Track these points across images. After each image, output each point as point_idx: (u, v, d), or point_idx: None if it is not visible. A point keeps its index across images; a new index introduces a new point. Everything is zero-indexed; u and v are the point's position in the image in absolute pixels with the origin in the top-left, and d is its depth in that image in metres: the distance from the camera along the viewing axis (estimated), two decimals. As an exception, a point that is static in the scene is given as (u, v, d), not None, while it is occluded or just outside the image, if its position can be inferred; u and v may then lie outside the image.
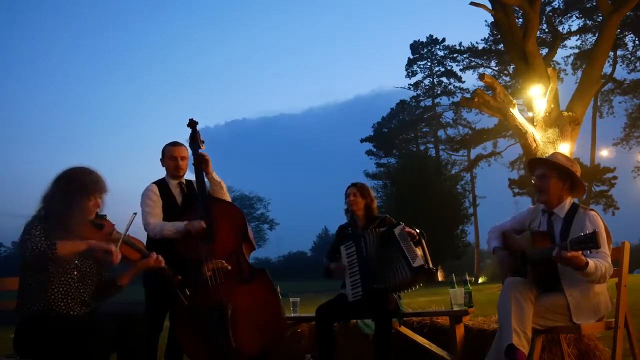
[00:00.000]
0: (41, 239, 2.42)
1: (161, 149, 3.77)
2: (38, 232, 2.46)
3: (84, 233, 2.64)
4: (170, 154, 3.69)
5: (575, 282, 2.72)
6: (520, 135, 10.25)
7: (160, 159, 3.76)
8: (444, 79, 41.63)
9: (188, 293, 3.09)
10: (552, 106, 10.12)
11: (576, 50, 29.54)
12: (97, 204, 2.69)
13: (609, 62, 26.39)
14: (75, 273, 2.61)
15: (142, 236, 3.09)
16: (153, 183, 3.70)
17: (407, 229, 3.46)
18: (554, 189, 2.91)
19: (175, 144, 3.73)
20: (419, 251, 3.38)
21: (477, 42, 35.49)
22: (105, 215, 2.77)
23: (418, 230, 3.49)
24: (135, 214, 2.77)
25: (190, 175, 3.78)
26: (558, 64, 28.43)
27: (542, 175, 2.94)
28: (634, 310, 3.70)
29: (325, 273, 3.85)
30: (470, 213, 37.08)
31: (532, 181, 3.02)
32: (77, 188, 2.62)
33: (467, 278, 3.63)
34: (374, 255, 3.52)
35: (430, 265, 3.37)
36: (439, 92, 41.89)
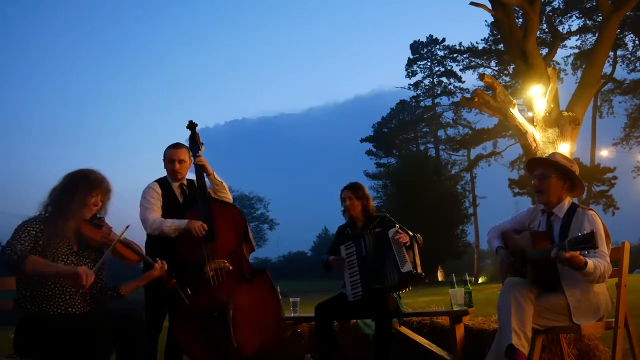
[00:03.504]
0: (23, 245, 2.44)
1: (161, 148, 3.76)
2: (25, 235, 2.49)
3: (83, 230, 2.67)
4: (169, 157, 3.67)
5: (575, 282, 2.72)
6: (520, 135, 10.25)
7: (163, 160, 3.75)
8: (444, 79, 41.67)
9: (189, 292, 3.09)
10: (552, 106, 10.11)
11: (576, 50, 29.57)
12: (97, 203, 2.73)
13: (609, 62, 26.40)
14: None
15: (137, 232, 3.10)
16: (155, 181, 3.70)
17: (401, 232, 3.46)
18: (554, 189, 2.91)
19: (174, 146, 3.70)
20: (409, 256, 3.39)
21: (477, 42, 35.56)
22: (104, 217, 2.82)
23: (411, 234, 3.49)
24: (128, 226, 2.76)
25: (191, 175, 3.78)
26: (558, 64, 28.45)
27: (542, 175, 2.94)
28: (634, 310, 3.70)
29: (324, 266, 3.84)
30: (470, 213, 37.08)
31: (532, 181, 3.02)
32: (80, 182, 2.70)
33: (467, 278, 3.63)
34: (372, 256, 3.53)
35: (419, 271, 3.38)
36: (439, 92, 41.90)
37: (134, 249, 2.85)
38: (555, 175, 2.91)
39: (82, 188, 2.68)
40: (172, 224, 3.46)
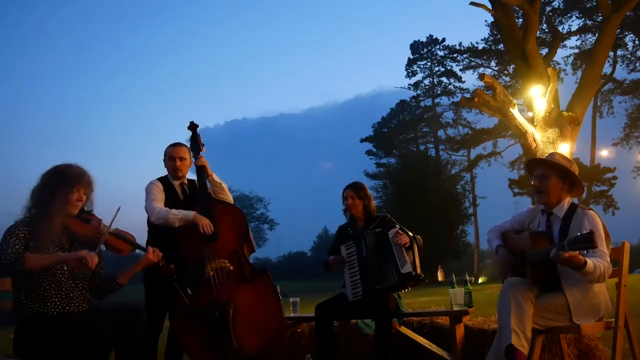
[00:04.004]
0: (14, 248, 2.43)
1: (161, 148, 3.79)
2: (14, 239, 2.47)
3: (70, 227, 2.65)
4: (170, 155, 3.71)
5: (575, 282, 2.72)
6: (520, 135, 10.26)
7: (163, 160, 3.77)
8: (444, 79, 41.68)
9: (190, 292, 3.09)
10: (552, 106, 10.12)
11: (576, 50, 29.57)
12: (80, 198, 2.69)
13: (609, 62, 26.39)
14: (65, 268, 2.60)
15: (137, 233, 3.07)
16: (157, 179, 3.72)
17: (401, 233, 3.46)
18: (553, 189, 2.91)
19: (174, 145, 3.74)
20: (409, 257, 3.39)
21: (477, 42, 35.58)
22: (92, 210, 2.79)
23: (411, 234, 3.49)
24: (119, 208, 2.73)
25: (192, 176, 3.79)
26: (558, 64, 28.45)
27: (542, 175, 2.95)
28: (634, 310, 3.70)
29: (324, 266, 3.85)
30: (470, 213, 37.08)
31: (532, 182, 3.02)
32: (60, 179, 2.65)
33: (467, 278, 3.63)
34: (373, 256, 3.53)
35: (418, 272, 3.38)
36: (439, 92, 41.91)
37: (127, 239, 2.82)
38: (555, 175, 2.92)
39: (63, 185, 2.64)
40: (178, 213, 3.45)
